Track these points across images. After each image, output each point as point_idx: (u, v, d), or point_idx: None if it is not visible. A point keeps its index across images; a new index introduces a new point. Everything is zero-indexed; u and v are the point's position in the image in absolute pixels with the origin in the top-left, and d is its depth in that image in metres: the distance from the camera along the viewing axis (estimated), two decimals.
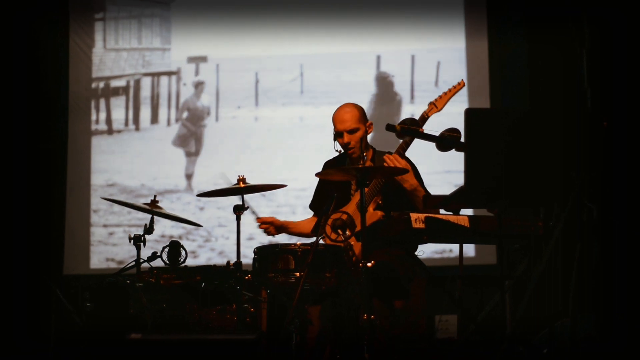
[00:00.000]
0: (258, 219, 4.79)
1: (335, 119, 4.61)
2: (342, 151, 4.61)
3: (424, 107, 4.44)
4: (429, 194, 4.45)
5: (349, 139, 4.54)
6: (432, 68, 7.05)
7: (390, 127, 4.30)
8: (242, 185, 4.58)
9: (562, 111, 3.63)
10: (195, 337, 3.99)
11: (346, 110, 4.60)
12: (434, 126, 4.34)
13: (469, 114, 3.55)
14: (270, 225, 4.73)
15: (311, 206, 4.89)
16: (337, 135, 4.59)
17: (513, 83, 6.79)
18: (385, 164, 4.37)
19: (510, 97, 6.76)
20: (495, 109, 6.18)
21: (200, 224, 5.36)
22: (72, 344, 4.69)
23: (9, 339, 6.42)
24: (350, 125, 4.55)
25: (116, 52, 7.42)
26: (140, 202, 4.94)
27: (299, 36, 7.19)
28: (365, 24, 7.13)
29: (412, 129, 4.25)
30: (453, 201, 3.87)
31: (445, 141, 4.19)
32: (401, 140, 4.42)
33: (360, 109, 4.65)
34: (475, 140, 3.53)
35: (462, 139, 4.11)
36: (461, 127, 3.82)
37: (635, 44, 5.27)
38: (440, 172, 6.54)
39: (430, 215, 3.86)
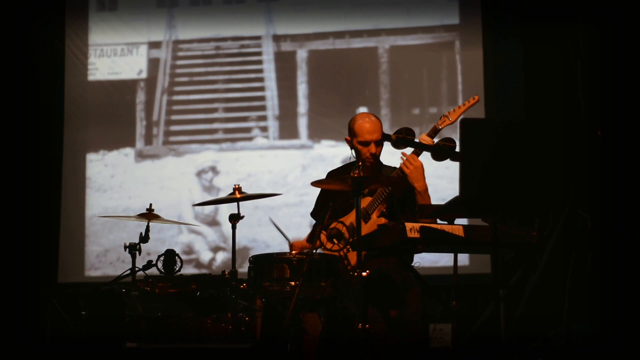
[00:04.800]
0: (291, 247, 4.70)
1: (361, 128, 4.49)
2: (354, 159, 4.56)
3: (419, 114, 4.45)
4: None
5: (377, 150, 4.50)
6: (426, 75, 7.04)
7: (385, 137, 4.31)
8: (238, 195, 4.60)
9: (558, 121, 3.64)
10: (191, 345, 4.01)
11: (373, 121, 4.51)
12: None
13: (464, 123, 3.56)
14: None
15: (312, 214, 4.88)
16: (363, 145, 4.51)
17: (508, 89, 6.77)
18: (401, 164, 4.38)
19: (506, 103, 6.74)
20: (490, 119, 6.18)
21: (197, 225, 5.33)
22: (67, 352, 4.68)
23: (9, 339, 6.41)
24: (379, 136, 4.48)
25: (109, 59, 7.42)
26: (136, 206, 4.94)
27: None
28: (360, 29, 7.14)
29: (407, 139, 4.27)
30: (448, 211, 3.88)
31: (441, 150, 4.20)
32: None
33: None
34: (470, 149, 3.54)
35: (457, 149, 4.13)
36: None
37: (635, 45, 5.27)
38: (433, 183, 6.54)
39: (425, 224, 3.86)
